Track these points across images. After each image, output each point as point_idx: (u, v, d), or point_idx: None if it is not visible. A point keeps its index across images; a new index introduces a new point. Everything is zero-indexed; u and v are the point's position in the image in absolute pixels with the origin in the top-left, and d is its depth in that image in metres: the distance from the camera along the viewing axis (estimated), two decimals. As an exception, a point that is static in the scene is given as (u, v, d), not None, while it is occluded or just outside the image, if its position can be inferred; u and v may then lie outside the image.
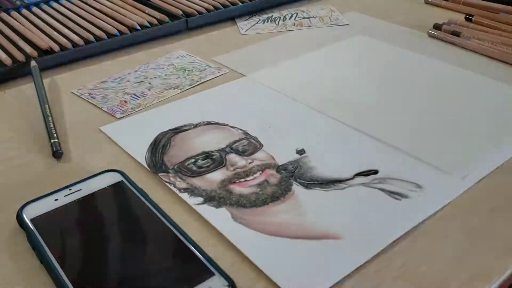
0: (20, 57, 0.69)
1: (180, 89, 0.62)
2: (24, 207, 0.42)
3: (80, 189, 0.44)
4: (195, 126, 0.54)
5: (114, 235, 0.40)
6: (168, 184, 0.46)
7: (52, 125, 0.54)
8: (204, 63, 0.69)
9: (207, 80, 0.64)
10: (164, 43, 0.77)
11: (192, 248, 0.37)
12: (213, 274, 0.35)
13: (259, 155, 0.49)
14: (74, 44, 0.73)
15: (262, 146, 0.50)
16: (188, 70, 0.67)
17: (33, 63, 0.66)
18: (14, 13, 0.84)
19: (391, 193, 0.44)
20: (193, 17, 0.82)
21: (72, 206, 0.42)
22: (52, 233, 0.39)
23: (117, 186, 0.44)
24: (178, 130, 0.54)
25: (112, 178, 0.45)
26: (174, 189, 0.45)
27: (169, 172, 0.47)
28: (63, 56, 0.71)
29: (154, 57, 0.72)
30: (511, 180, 0.46)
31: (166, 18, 0.80)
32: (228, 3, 0.86)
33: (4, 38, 0.76)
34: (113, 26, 0.77)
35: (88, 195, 0.43)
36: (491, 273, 0.36)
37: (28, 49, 0.71)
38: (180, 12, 0.83)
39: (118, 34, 0.76)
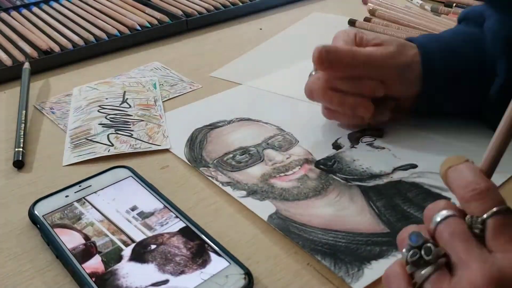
0: (20, 57, 0.69)
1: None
2: (36, 204, 0.42)
3: (90, 185, 0.44)
4: (229, 122, 0.55)
5: (127, 228, 0.40)
6: (210, 178, 0.46)
7: (22, 133, 0.53)
8: (177, 77, 0.66)
9: (176, 96, 0.61)
10: (164, 44, 0.77)
11: (207, 239, 0.38)
12: (229, 264, 0.36)
13: (295, 150, 0.50)
14: (74, 45, 0.73)
15: (298, 141, 0.51)
16: (159, 84, 0.64)
17: (26, 65, 0.65)
18: (14, 13, 0.84)
19: (431, 186, 0.44)
20: (193, 17, 0.82)
21: (83, 202, 0.42)
22: (65, 229, 0.40)
23: (127, 181, 0.45)
24: (213, 126, 0.54)
25: (121, 174, 0.46)
26: (217, 183, 0.46)
27: (210, 167, 0.48)
28: (63, 57, 0.71)
29: (153, 58, 0.72)
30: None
31: (166, 18, 0.80)
32: (229, 4, 0.86)
33: (4, 38, 0.75)
34: (113, 26, 0.77)
35: (98, 190, 0.44)
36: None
37: (28, 49, 0.71)
38: (180, 13, 0.83)
39: (118, 34, 0.76)
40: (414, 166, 0.47)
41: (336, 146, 0.50)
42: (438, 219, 0.30)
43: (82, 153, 0.51)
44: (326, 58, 0.47)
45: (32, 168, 0.49)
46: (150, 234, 0.38)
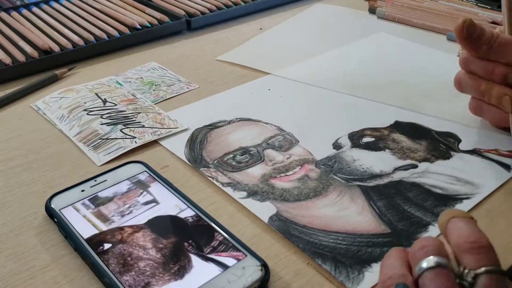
0: (20, 57, 0.69)
1: (141, 105, 0.59)
2: (52, 198, 0.42)
3: (105, 180, 0.45)
4: (229, 122, 0.55)
5: (143, 222, 0.40)
6: (210, 179, 0.46)
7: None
8: (174, 77, 0.66)
9: (173, 97, 0.61)
10: (165, 44, 0.77)
11: (224, 233, 0.38)
12: (245, 256, 0.36)
13: (295, 150, 0.50)
14: (74, 44, 0.73)
15: (298, 141, 0.51)
16: (156, 85, 0.63)
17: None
18: (14, 13, 0.84)
19: (432, 186, 0.44)
20: (195, 17, 0.82)
21: (99, 196, 0.43)
22: (82, 222, 0.40)
23: (142, 176, 0.45)
24: (213, 126, 0.54)
25: (136, 169, 0.46)
26: (217, 183, 0.46)
27: (210, 167, 0.48)
28: (63, 56, 0.70)
29: (153, 58, 0.72)
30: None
31: (166, 18, 0.80)
32: (231, 3, 0.86)
33: (4, 38, 0.75)
34: (113, 27, 0.77)
35: (113, 185, 0.44)
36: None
37: (28, 49, 0.71)
38: (183, 13, 0.83)
39: (118, 34, 0.76)
40: (414, 166, 0.47)
41: (337, 146, 0.50)
42: (425, 265, 0.29)
43: (110, 150, 0.51)
44: (467, 29, 0.47)
45: (32, 168, 0.49)
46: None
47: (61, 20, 0.81)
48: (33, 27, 0.78)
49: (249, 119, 0.55)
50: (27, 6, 0.86)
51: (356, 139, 0.51)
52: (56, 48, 0.71)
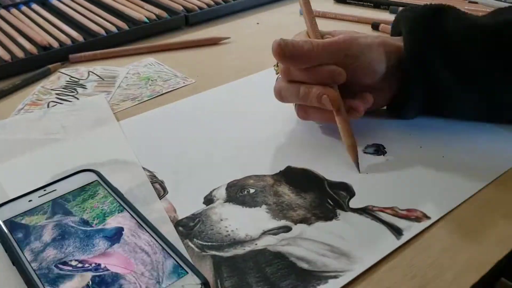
0: (19, 53, 0.70)
1: (138, 100, 0.59)
2: None
3: (55, 190, 0.42)
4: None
5: (88, 234, 0.38)
6: None
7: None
8: (171, 72, 0.66)
9: (169, 91, 0.61)
10: (163, 39, 0.77)
11: (166, 247, 0.36)
12: (186, 273, 0.34)
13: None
14: (73, 40, 0.73)
15: (167, 193, 0.44)
16: (152, 80, 0.63)
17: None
18: (13, 10, 0.84)
19: (298, 259, 0.37)
20: (194, 13, 0.82)
21: (47, 207, 0.41)
22: (26, 235, 0.38)
23: (92, 185, 0.43)
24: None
25: (87, 178, 0.44)
26: None
27: None
28: (62, 52, 0.71)
29: (152, 53, 0.72)
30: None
31: (165, 14, 0.81)
32: (230, -2, 0.86)
33: (4, 34, 0.76)
34: (111, 23, 0.78)
35: (63, 195, 0.42)
36: (484, 264, 0.36)
37: (27, 45, 0.72)
38: (181, 8, 0.83)
39: (117, 30, 0.76)
40: (287, 229, 0.40)
41: (209, 200, 0.43)
42: None
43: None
44: (285, 49, 0.46)
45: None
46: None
47: (60, 17, 0.81)
48: (32, 24, 0.79)
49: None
50: (27, 3, 0.87)
51: (234, 191, 0.44)
52: (55, 44, 0.72)
